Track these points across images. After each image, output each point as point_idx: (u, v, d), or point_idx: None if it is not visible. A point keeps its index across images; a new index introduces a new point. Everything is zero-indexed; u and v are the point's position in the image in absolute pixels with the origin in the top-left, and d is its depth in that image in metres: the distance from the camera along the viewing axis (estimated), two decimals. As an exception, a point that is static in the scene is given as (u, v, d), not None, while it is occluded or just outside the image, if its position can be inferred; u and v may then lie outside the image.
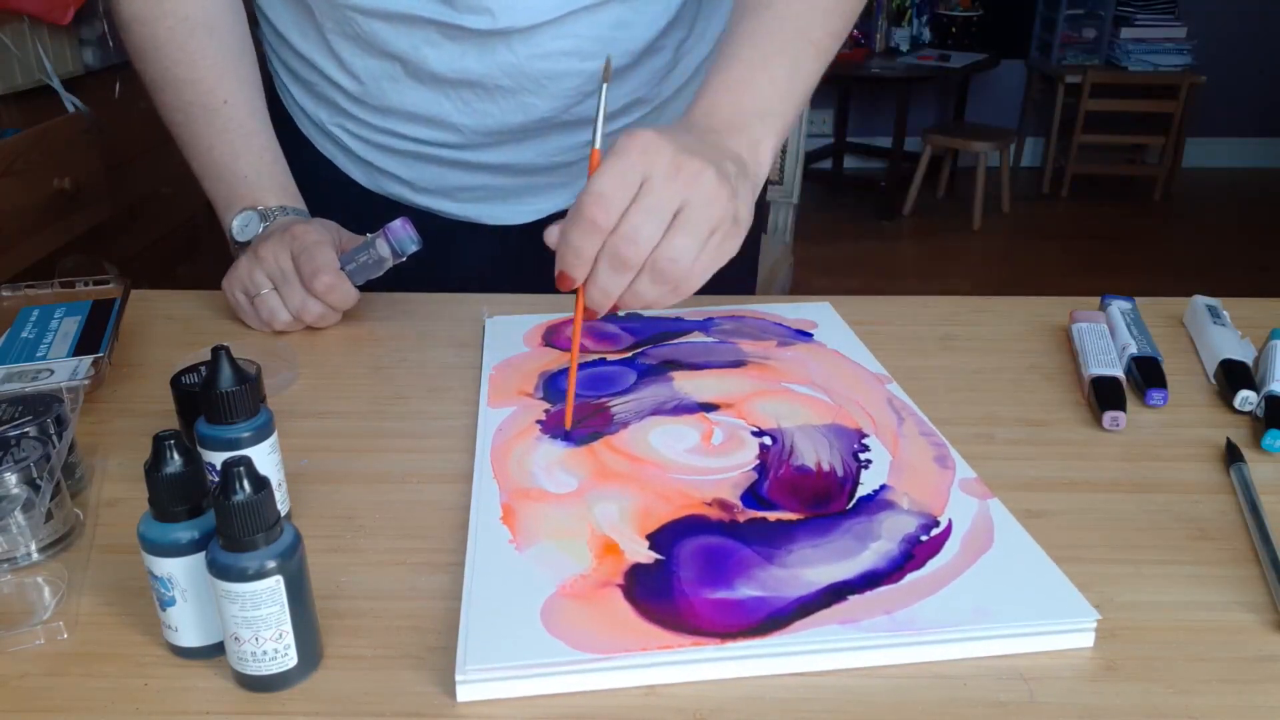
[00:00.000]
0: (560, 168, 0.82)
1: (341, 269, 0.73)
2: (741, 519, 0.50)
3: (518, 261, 0.84)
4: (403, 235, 0.73)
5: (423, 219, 0.81)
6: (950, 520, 0.50)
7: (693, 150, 0.55)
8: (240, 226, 0.76)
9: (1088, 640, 0.43)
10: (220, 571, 0.39)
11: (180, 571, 0.41)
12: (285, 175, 0.79)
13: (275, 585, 0.39)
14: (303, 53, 0.80)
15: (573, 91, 0.76)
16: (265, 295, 0.73)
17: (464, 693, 0.40)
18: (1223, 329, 0.70)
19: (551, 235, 0.57)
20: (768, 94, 0.62)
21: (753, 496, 0.52)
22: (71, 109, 1.81)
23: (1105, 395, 0.62)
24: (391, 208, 0.86)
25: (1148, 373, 0.65)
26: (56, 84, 1.77)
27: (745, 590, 0.45)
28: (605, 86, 0.58)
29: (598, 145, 0.58)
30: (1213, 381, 0.67)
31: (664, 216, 0.54)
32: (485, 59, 0.73)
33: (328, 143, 0.86)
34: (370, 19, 0.73)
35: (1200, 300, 0.75)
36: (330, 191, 0.86)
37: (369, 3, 0.72)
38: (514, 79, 0.74)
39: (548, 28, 0.72)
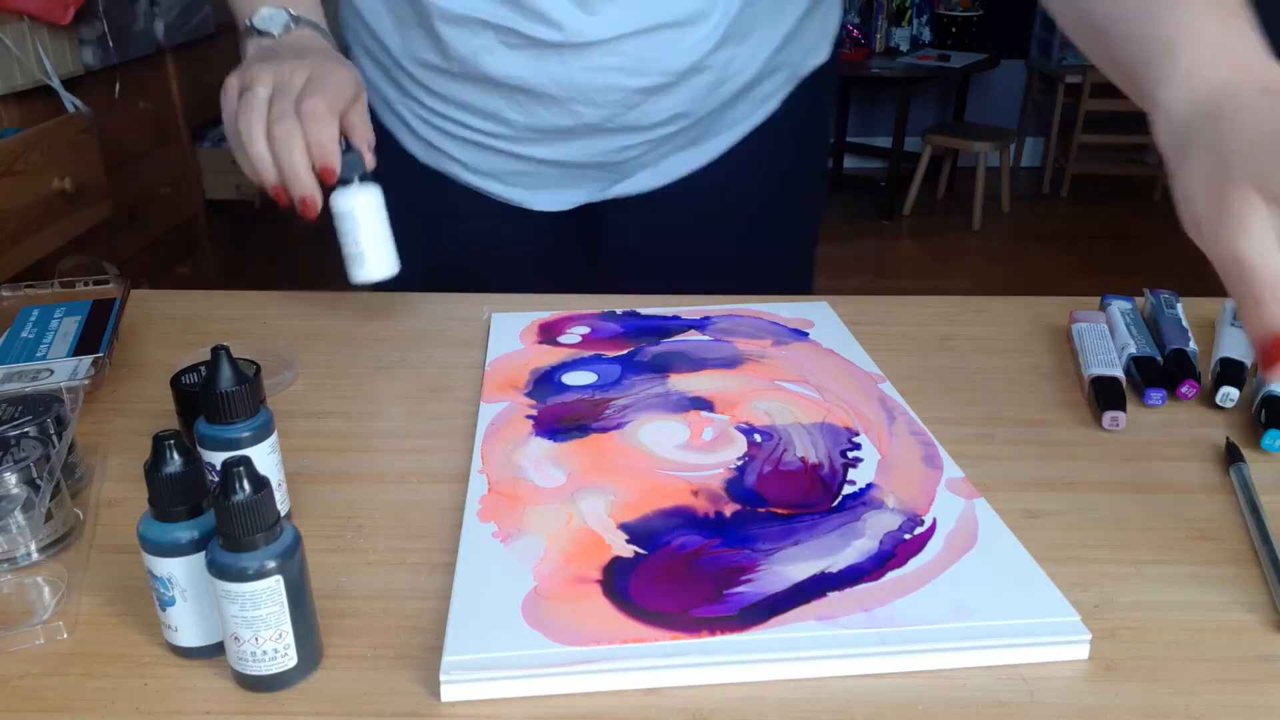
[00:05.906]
0: (606, 166, 0.85)
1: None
2: (726, 514, 0.51)
3: (554, 243, 0.91)
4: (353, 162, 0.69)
5: (471, 198, 0.88)
6: (935, 519, 0.50)
7: None
8: (267, 16, 0.74)
9: (1082, 653, 0.43)
10: (220, 571, 0.39)
11: (180, 571, 0.41)
12: None
13: (275, 585, 0.39)
14: (377, 32, 0.83)
15: (617, 104, 0.79)
16: (259, 93, 0.67)
17: (448, 693, 0.40)
18: (1236, 330, 0.70)
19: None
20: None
21: (739, 492, 0.52)
22: (71, 109, 1.81)
23: (1105, 395, 0.62)
24: (444, 183, 0.89)
25: (1147, 373, 0.65)
26: (56, 84, 1.77)
27: (724, 585, 0.45)
28: None
29: None
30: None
31: None
32: (539, 70, 0.77)
33: (393, 119, 0.90)
34: (442, 22, 0.77)
35: (1229, 303, 0.75)
36: (390, 162, 0.89)
37: (443, 4, 0.75)
38: (563, 89, 0.78)
39: (600, 46, 0.75)
